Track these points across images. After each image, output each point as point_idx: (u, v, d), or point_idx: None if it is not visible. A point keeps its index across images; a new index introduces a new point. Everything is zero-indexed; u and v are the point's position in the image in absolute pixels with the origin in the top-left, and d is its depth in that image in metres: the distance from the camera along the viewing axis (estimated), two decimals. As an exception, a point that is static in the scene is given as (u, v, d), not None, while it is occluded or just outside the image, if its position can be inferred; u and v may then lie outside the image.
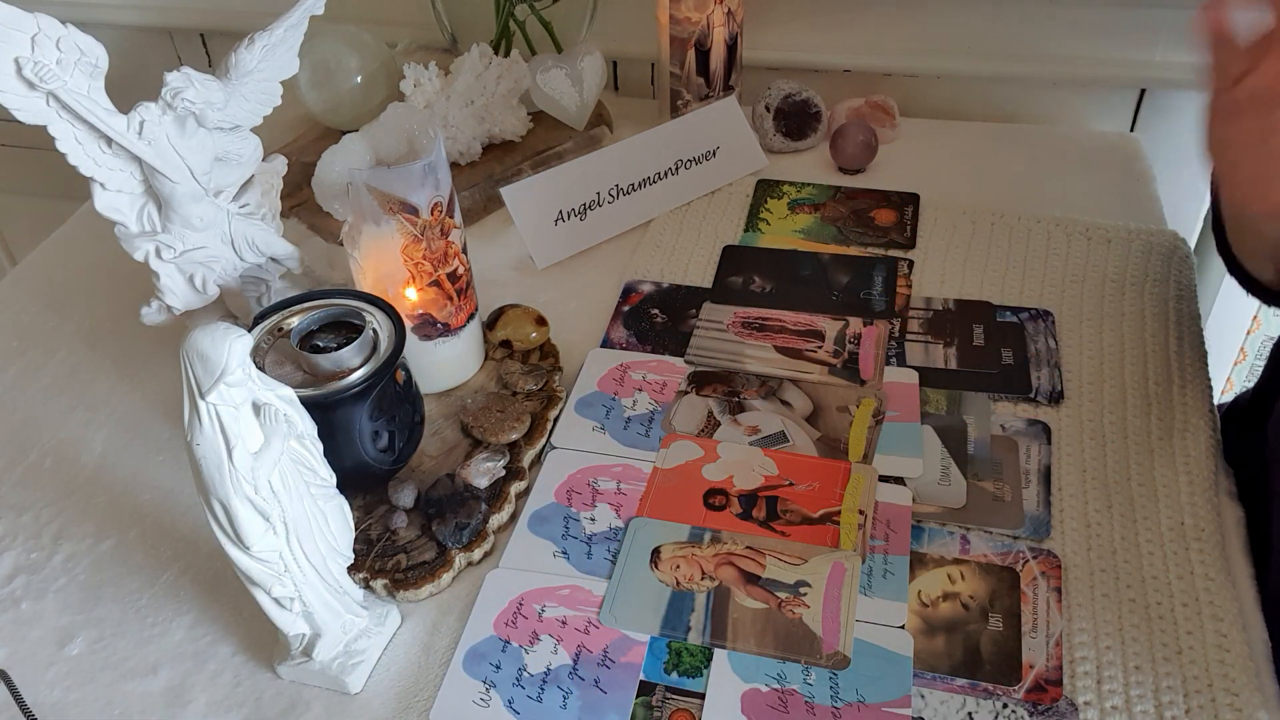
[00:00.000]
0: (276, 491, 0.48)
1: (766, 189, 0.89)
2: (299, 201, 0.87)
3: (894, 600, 0.57)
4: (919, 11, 0.98)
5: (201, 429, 0.46)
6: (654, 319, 0.77)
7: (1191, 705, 0.52)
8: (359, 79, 0.94)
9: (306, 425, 0.50)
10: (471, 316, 0.69)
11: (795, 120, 0.93)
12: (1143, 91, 0.98)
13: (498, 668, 0.55)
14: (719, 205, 0.88)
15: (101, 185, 0.61)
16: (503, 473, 0.64)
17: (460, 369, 0.71)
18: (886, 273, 0.79)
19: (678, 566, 0.59)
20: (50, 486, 0.68)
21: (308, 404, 0.50)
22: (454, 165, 0.90)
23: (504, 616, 0.58)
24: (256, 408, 0.47)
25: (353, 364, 0.58)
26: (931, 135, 0.96)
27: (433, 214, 0.63)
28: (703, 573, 0.59)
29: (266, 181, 0.67)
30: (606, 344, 0.75)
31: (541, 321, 0.74)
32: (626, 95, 1.09)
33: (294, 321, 0.60)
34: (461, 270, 0.67)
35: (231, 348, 0.44)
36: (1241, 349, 1.18)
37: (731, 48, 0.91)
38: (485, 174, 0.90)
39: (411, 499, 0.63)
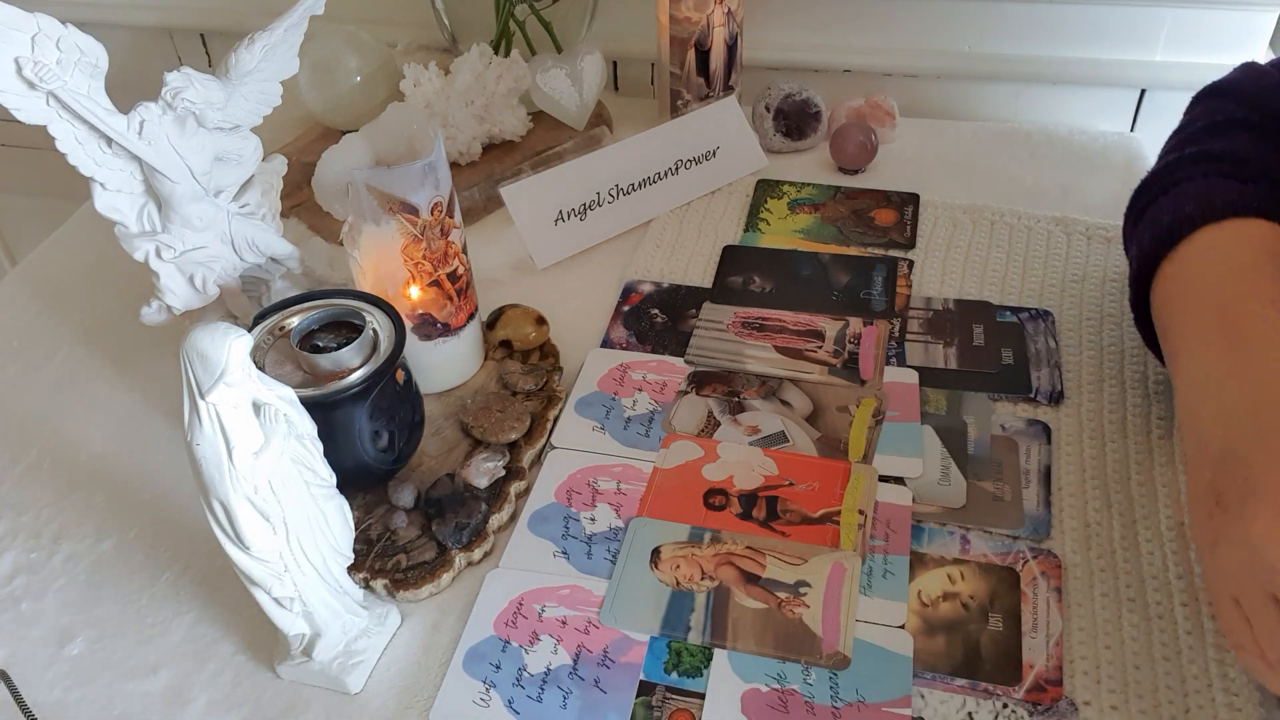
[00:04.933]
0: (276, 491, 0.48)
1: (766, 189, 0.89)
2: (299, 201, 0.87)
3: (894, 600, 0.57)
4: (919, 12, 0.98)
5: (201, 429, 0.46)
6: (654, 319, 0.77)
7: (1191, 705, 0.52)
8: (359, 79, 0.94)
9: (306, 425, 0.50)
10: (471, 316, 0.69)
11: (795, 120, 0.93)
12: (1143, 91, 0.98)
13: (498, 668, 0.55)
14: (719, 205, 0.88)
15: (101, 185, 0.61)
16: (503, 473, 0.64)
17: (460, 369, 0.71)
18: (886, 273, 0.79)
19: (678, 566, 0.59)
20: (50, 486, 0.68)
21: (308, 404, 0.50)
22: (454, 165, 0.90)
23: (504, 616, 0.57)
24: (256, 408, 0.47)
25: (353, 364, 0.58)
26: (931, 135, 0.96)
27: (433, 214, 0.63)
28: (703, 573, 0.59)
29: (266, 181, 0.67)
30: (606, 344, 0.75)
31: (541, 321, 0.74)
32: (626, 95, 1.09)
33: (294, 321, 0.60)
34: (461, 270, 0.67)
35: (231, 348, 0.44)
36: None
37: (731, 48, 0.91)
38: (485, 174, 0.90)
39: (411, 499, 0.63)
